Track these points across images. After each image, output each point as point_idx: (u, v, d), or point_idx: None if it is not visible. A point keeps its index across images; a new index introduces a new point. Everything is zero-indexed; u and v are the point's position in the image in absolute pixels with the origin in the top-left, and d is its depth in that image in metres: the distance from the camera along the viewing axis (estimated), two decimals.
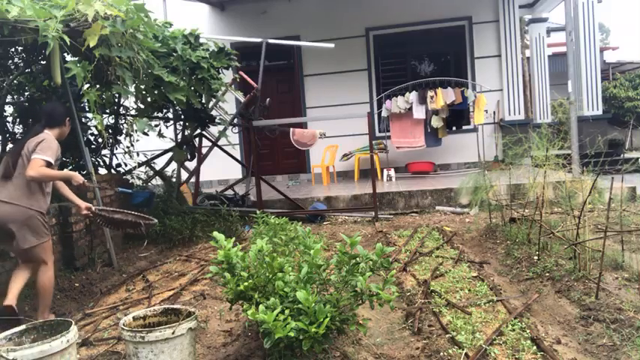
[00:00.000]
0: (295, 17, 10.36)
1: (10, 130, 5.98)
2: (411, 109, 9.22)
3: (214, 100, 7.03)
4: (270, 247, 3.08)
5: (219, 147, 7.45)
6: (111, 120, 6.62)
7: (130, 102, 6.53)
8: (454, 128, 9.96)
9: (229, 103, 8.84)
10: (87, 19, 3.97)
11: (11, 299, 3.48)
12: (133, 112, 6.68)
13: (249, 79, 7.64)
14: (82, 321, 3.80)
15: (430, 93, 9.09)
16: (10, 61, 5.65)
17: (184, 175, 7.70)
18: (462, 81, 9.60)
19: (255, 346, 2.97)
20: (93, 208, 3.94)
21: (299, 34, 10.24)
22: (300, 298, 2.44)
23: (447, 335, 2.98)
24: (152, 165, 7.32)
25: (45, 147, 3.52)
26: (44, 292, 3.63)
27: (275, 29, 10.16)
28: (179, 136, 7.58)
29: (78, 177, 3.72)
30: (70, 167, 6.38)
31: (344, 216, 7.33)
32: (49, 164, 3.50)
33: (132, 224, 4.14)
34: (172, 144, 7.24)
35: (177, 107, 6.50)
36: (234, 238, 2.98)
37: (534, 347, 2.79)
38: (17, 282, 3.60)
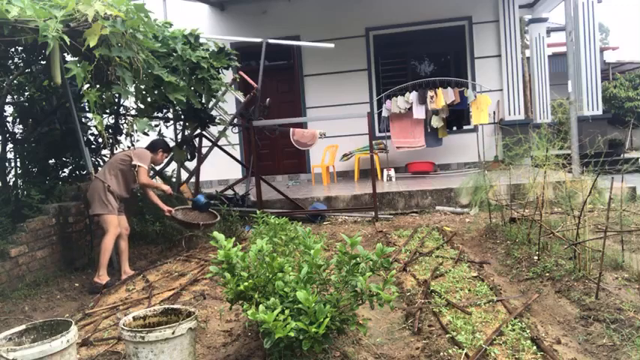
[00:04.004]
0: (295, 17, 10.35)
1: (10, 130, 5.98)
2: (411, 109, 9.21)
3: (214, 100, 7.02)
4: (270, 247, 3.08)
5: (219, 147, 7.45)
6: (111, 120, 6.62)
7: (130, 102, 6.53)
8: (454, 128, 9.97)
9: (229, 103, 8.84)
10: (87, 19, 3.97)
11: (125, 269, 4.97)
12: (133, 112, 6.68)
13: (249, 79, 7.63)
14: (82, 321, 3.80)
15: (430, 93, 9.08)
16: (10, 61, 5.65)
17: (184, 175, 7.70)
18: (462, 81, 9.59)
19: (255, 346, 2.97)
20: (173, 211, 5.27)
21: (299, 34, 10.23)
22: (300, 298, 2.44)
23: (447, 335, 2.98)
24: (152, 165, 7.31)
25: (141, 155, 5.01)
26: (100, 253, 4.75)
27: (275, 29, 10.15)
28: (179, 136, 7.57)
29: (168, 190, 5.26)
30: (71, 167, 6.38)
31: (344, 216, 7.33)
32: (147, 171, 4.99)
33: (194, 225, 5.45)
34: (172, 144, 7.24)
35: (177, 107, 6.50)
36: (234, 238, 2.98)
37: (534, 347, 2.79)
38: (120, 254, 4.98)
